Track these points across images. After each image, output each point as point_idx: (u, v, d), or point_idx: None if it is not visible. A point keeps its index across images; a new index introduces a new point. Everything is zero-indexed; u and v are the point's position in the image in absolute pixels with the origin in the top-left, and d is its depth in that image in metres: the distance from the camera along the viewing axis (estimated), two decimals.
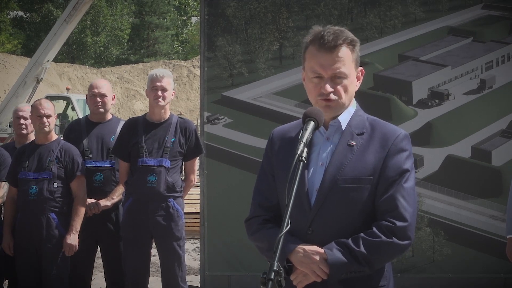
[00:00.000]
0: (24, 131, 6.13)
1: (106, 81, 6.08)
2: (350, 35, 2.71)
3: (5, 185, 5.80)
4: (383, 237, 2.59)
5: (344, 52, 2.67)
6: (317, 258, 2.60)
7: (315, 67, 2.68)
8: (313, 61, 2.68)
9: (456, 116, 6.73)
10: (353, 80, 2.72)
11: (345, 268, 2.58)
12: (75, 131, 5.88)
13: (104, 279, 5.91)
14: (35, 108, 5.58)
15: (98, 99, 5.79)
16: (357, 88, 2.76)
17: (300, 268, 2.63)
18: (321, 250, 2.61)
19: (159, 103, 5.49)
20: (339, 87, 2.67)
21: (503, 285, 6.67)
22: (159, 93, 5.48)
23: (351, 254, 2.58)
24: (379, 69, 6.80)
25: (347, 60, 2.68)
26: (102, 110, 5.82)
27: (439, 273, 6.68)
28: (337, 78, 2.67)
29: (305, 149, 2.49)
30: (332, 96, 2.67)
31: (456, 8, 6.83)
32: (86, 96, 5.98)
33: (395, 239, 2.59)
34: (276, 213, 2.80)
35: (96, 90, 5.80)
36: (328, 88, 2.65)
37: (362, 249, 2.58)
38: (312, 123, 2.58)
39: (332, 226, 2.65)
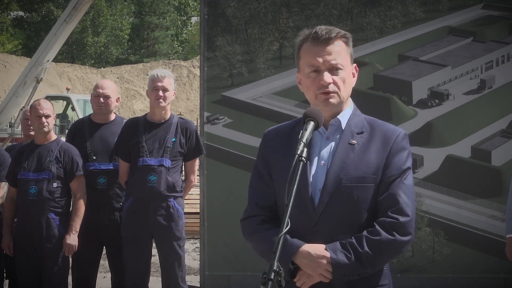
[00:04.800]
0: (32, 133, 6.07)
1: (111, 82, 6.00)
2: (342, 30, 2.75)
3: (5, 185, 5.80)
4: (385, 235, 2.59)
5: (339, 45, 2.70)
6: (324, 261, 2.60)
7: (311, 61, 2.68)
8: (310, 56, 2.69)
9: (456, 116, 6.73)
10: (350, 74, 2.73)
11: (348, 269, 2.59)
12: (78, 132, 5.83)
13: (105, 279, 5.88)
14: (34, 108, 5.58)
15: (101, 99, 5.73)
16: (353, 85, 2.76)
17: (307, 271, 2.62)
18: (327, 254, 2.60)
19: (160, 103, 5.48)
20: (337, 78, 2.67)
21: (503, 285, 6.67)
22: (160, 93, 5.47)
23: (356, 255, 2.59)
24: (379, 69, 6.80)
25: (343, 53, 2.70)
26: (104, 111, 5.77)
27: (439, 273, 6.68)
28: (334, 70, 2.67)
29: (305, 149, 2.50)
30: (332, 88, 2.66)
31: (456, 8, 6.83)
32: (91, 95, 5.95)
33: (397, 236, 2.60)
34: (273, 214, 2.79)
35: (100, 91, 5.74)
36: (327, 78, 2.65)
37: (366, 249, 2.58)
38: (312, 123, 2.58)
39: (337, 225, 2.66)
